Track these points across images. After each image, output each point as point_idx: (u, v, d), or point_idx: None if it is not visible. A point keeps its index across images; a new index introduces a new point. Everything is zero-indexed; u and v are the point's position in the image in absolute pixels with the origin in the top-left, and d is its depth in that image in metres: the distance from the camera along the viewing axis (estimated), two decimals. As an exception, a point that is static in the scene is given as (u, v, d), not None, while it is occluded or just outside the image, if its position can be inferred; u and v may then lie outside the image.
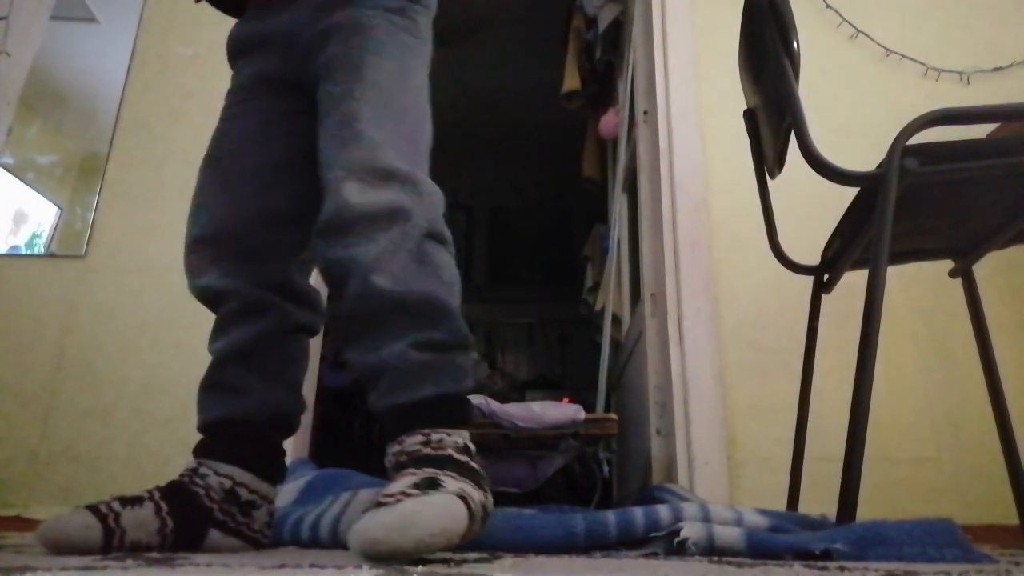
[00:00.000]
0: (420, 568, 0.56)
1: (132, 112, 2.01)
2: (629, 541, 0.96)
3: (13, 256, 1.92)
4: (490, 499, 0.76)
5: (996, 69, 1.93)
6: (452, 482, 0.71)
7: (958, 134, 1.07)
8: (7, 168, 2.01)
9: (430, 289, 0.83)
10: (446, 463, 0.74)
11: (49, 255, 1.91)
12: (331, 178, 0.84)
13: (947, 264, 1.36)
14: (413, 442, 0.77)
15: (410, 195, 0.85)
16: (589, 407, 1.75)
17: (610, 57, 2.74)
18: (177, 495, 0.83)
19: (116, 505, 0.78)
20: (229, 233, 0.96)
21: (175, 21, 2.12)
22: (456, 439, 0.79)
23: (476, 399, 1.66)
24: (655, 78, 1.96)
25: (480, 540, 0.94)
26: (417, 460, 0.75)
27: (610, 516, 0.98)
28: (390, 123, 0.88)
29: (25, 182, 2.02)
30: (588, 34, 2.92)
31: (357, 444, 3.59)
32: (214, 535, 0.84)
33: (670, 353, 1.68)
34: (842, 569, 0.68)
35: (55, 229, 1.96)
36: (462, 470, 0.75)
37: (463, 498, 0.67)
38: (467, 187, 5.16)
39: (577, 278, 3.70)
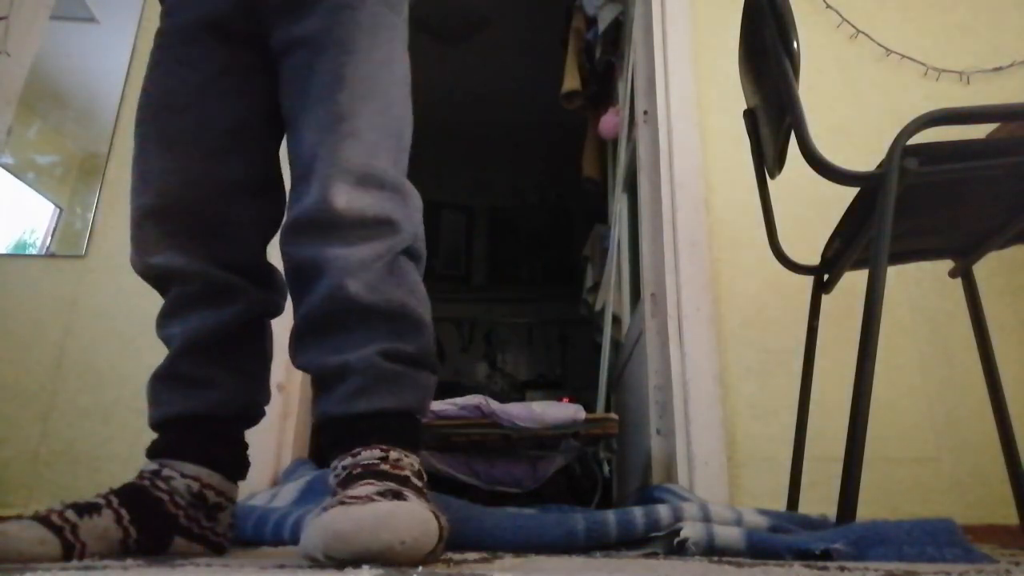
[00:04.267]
0: (420, 568, 0.56)
1: (132, 112, 2.00)
2: (629, 541, 0.96)
3: (13, 256, 1.92)
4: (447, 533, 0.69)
5: (996, 69, 1.93)
6: (417, 499, 0.65)
7: (958, 134, 1.07)
8: (7, 168, 2.01)
9: (405, 300, 0.78)
10: (406, 483, 0.69)
11: (49, 255, 1.91)
12: (318, 174, 0.78)
13: (947, 264, 1.36)
14: (370, 456, 0.71)
15: (399, 205, 0.81)
16: (589, 407, 1.75)
17: (610, 57, 2.74)
18: (138, 502, 0.77)
19: (71, 515, 0.70)
20: (182, 205, 0.86)
21: (175, 21, 2.12)
22: (412, 462, 0.73)
23: (476, 399, 1.66)
24: (655, 78, 1.96)
25: (480, 540, 0.94)
26: (376, 474, 0.68)
27: (610, 516, 0.98)
28: (380, 121, 0.83)
29: (25, 182, 2.02)
30: (588, 34, 2.92)
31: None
32: (179, 543, 0.79)
33: (670, 353, 1.68)
34: (842, 569, 0.68)
35: (55, 229, 1.96)
36: (421, 495, 0.69)
37: (435, 515, 0.62)
38: (467, 187, 5.17)
39: (577, 278, 3.70)
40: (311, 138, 0.81)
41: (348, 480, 0.69)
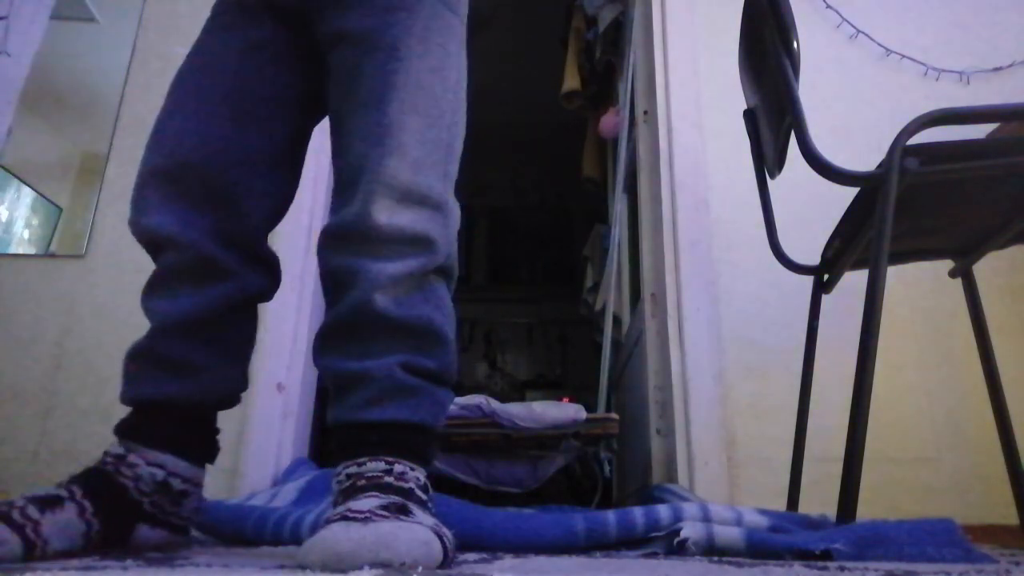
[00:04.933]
0: (420, 569, 0.56)
1: (132, 112, 2.01)
2: (629, 541, 0.96)
3: (13, 256, 1.92)
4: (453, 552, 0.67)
5: (996, 69, 1.93)
6: (422, 514, 0.65)
7: (958, 134, 1.07)
8: (7, 168, 2.01)
9: (431, 316, 0.79)
10: (410, 496, 0.68)
11: (49, 255, 1.91)
12: (362, 187, 0.77)
13: (947, 264, 1.36)
14: (375, 468, 0.71)
15: (438, 224, 0.81)
16: (589, 407, 1.75)
17: (610, 57, 2.74)
18: (103, 491, 0.75)
19: (33, 511, 0.68)
20: (195, 167, 0.84)
21: (175, 21, 2.12)
22: (418, 475, 0.73)
23: (477, 399, 1.66)
24: (655, 78, 1.96)
25: (480, 540, 0.94)
26: (380, 486, 0.68)
27: (610, 516, 0.98)
28: (429, 133, 0.82)
29: (25, 182, 2.02)
30: (588, 34, 2.92)
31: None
32: (142, 529, 0.78)
33: (670, 353, 1.68)
34: (842, 569, 0.68)
35: (55, 229, 1.96)
36: (427, 508, 0.69)
37: (439, 534, 0.61)
38: (467, 187, 5.16)
39: (577, 278, 3.70)
40: (357, 148, 0.80)
41: (351, 491, 0.69)
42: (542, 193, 5.22)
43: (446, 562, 0.62)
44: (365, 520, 0.59)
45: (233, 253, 0.86)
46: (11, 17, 1.96)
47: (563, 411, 1.66)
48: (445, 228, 0.82)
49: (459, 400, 1.66)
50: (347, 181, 0.80)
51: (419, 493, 0.71)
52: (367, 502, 0.64)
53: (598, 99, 3.00)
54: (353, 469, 0.71)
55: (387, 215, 0.76)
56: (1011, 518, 1.26)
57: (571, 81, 2.95)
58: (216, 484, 1.61)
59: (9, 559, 0.64)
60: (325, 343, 0.80)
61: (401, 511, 0.63)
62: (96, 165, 1.97)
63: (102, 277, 1.84)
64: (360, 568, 0.53)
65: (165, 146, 0.86)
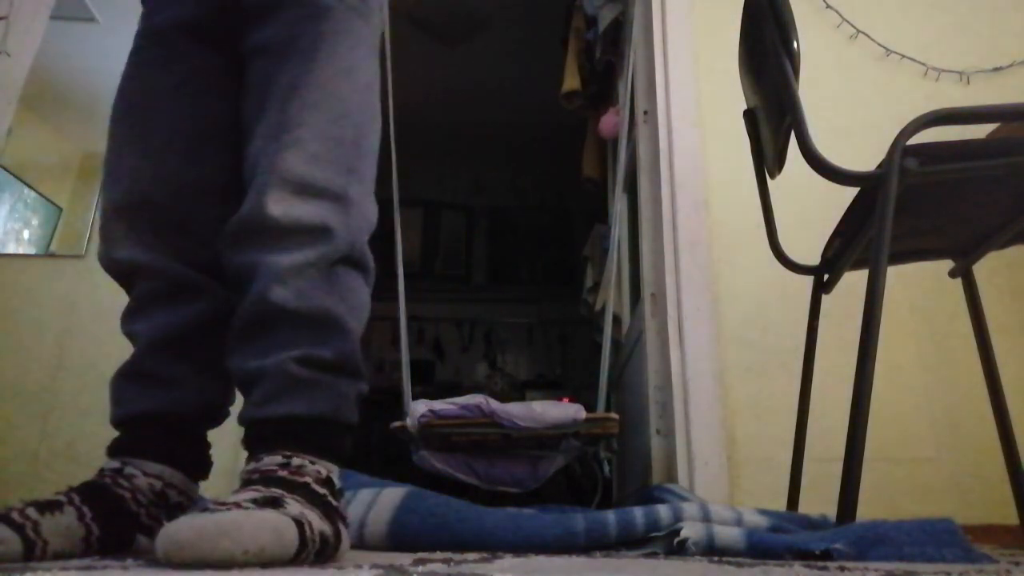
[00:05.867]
0: (420, 568, 0.56)
1: (132, 112, 2.01)
2: (629, 541, 0.96)
3: (13, 256, 1.92)
4: (343, 539, 0.68)
5: (996, 69, 1.93)
6: (295, 506, 0.64)
7: (958, 134, 1.07)
8: (7, 168, 2.01)
9: (329, 306, 0.78)
10: (298, 489, 0.67)
11: (49, 255, 1.91)
12: (257, 180, 0.78)
13: (947, 264, 1.36)
14: (271, 462, 0.70)
15: (337, 215, 0.80)
16: (589, 407, 1.75)
17: (610, 57, 2.74)
18: (100, 499, 0.75)
19: (32, 512, 0.69)
20: (154, 202, 0.87)
21: (175, 21, 2.12)
22: (319, 469, 0.72)
23: (477, 398, 1.66)
24: (655, 78, 1.96)
25: (480, 540, 0.94)
26: (268, 480, 0.67)
27: (610, 516, 0.98)
28: (331, 129, 0.83)
29: (25, 182, 2.02)
30: (588, 34, 2.92)
31: (358, 445, 3.59)
32: (141, 541, 0.78)
33: (670, 353, 1.68)
34: (842, 569, 0.68)
35: (55, 229, 1.96)
36: (315, 500, 0.68)
37: (299, 522, 0.61)
38: (467, 187, 5.17)
39: (577, 278, 3.70)
40: (255, 145, 0.82)
41: (243, 484, 0.68)
42: (542, 193, 5.22)
43: (304, 552, 0.61)
44: (225, 509, 0.58)
45: (202, 274, 0.88)
46: (11, 17, 1.96)
47: (563, 411, 1.65)
48: (346, 218, 0.81)
49: (459, 400, 1.66)
50: (248, 180, 0.81)
51: (316, 487, 0.70)
52: (241, 495, 0.63)
53: (598, 99, 3.00)
54: (251, 466, 0.71)
55: (283, 207, 0.77)
56: (1011, 518, 1.26)
57: (571, 81, 2.95)
58: (216, 484, 1.61)
59: (9, 558, 0.64)
60: (231, 345, 0.80)
61: (273, 504, 0.62)
62: (96, 165, 1.97)
63: (102, 277, 1.82)
64: (360, 566, 0.53)
65: (121, 182, 0.88)
